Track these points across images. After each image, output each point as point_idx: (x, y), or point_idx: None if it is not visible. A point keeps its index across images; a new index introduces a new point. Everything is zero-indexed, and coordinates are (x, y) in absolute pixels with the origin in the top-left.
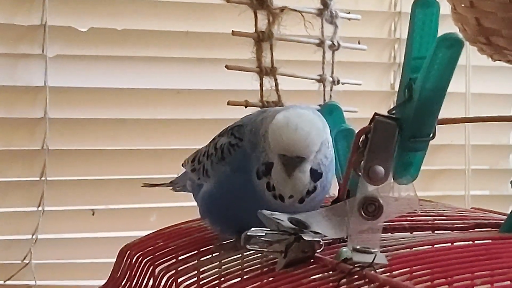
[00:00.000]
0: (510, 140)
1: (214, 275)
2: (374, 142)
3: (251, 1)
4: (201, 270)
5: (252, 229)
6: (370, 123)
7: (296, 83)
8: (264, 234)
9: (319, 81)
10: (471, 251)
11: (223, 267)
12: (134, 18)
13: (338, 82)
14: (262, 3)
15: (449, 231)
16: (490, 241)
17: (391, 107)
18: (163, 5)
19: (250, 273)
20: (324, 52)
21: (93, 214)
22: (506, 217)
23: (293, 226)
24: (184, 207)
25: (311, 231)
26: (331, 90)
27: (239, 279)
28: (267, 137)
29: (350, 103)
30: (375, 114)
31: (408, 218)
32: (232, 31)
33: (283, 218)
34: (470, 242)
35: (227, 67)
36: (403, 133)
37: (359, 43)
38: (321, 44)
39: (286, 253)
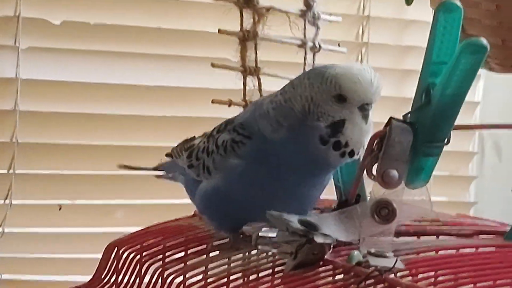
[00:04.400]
0: (471, 147)
1: (220, 274)
2: (390, 146)
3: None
4: (200, 270)
5: (263, 229)
6: (385, 127)
7: (278, 83)
8: (275, 234)
9: None
10: (488, 258)
11: (224, 267)
12: (108, 13)
13: None
14: (248, 2)
15: (454, 237)
16: (494, 248)
17: None
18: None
19: (254, 274)
20: (305, 54)
21: (60, 209)
22: (497, 223)
23: (303, 228)
24: (151, 205)
25: (320, 233)
26: None
27: (242, 280)
28: (325, 100)
29: None
30: (391, 118)
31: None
32: (218, 29)
33: (293, 219)
34: (480, 249)
35: (212, 65)
36: (417, 138)
37: (339, 45)
38: (303, 45)
39: (296, 255)
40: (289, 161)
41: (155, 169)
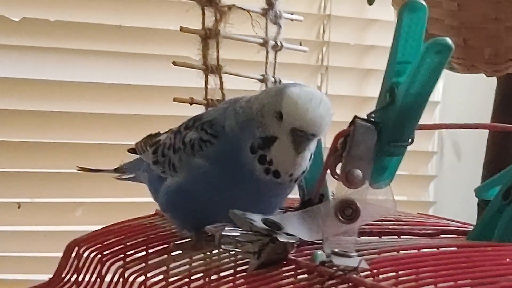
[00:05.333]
0: (430, 146)
1: (182, 274)
2: (354, 145)
3: None
4: (162, 269)
5: (226, 228)
6: (349, 126)
7: (239, 82)
8: (238, 234)
9: (261, 81)
10: (450, 258)
11: (186, 266)
12: (68, 10)
13: (280, 82)
14: (210, 0)
15: (416, 237)
16: (457, 248)
17: None
18: None
19: (216, 274)
20: (267, 52)
21: (19, 207)
22: (459, 223)
23: (266, 227)
24: (111, 203)
25: (284, 233)
26: None
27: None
28: (269, 112)
29: None
30: (355, 117)
31: (375, 222)
32: (180, 27)
33: (256, 219)
34: (442, 249)
35: (174, 63)
36: (382, 137)
37: (300, 45)
38: (265, 44)
39: (259, 254)
40: (237, 159)
41: (116, 170)
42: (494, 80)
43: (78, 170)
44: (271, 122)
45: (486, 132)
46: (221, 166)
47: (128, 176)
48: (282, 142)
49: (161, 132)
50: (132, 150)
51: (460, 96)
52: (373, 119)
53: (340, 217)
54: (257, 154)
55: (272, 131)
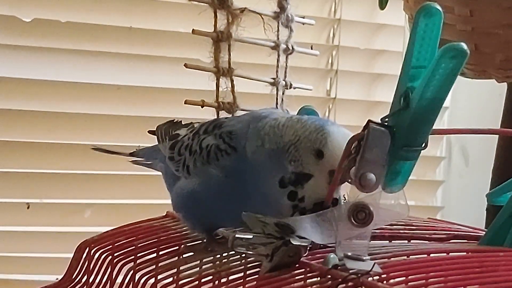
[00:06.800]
0: (438, 151)
1: (192, 276)
2: (368, 149)
3: (212, 0)
4: (172, 271)
5: (239, 230)
6: (363, 130)
7: (250, 85)
8: (251, 236)
9: (272, 84)
10: (462, 263)
11: (196, 269)
12: (79, 11)
13: (291, 86)
14: (223, 2)
15: (426, 242)
16: (470, 253)
17: (327, 113)
18: None
19: (227, 276)
20: (278, 56)
21: (28, 208)
22: (471, 228)
23: (279, 230)
24: (120, 204)
25: (297, 236)
26: (283, 94)
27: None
28: (306, 148)
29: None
30: (369, 121)
31: (385, 226)
32: (193, 29)
33: (270, 222)
34: (456, 254)
35: (186, 65)
36: (395, 141)
37: (312, 48)
38: (276, 47)
39: (272, 257)
40: (257, 185)
41: (131, 154)
42: (501, 85)
43: (94, 150)
44: (307, 158)
45: (494, 137)
46: (236, 183)
47: (144, 162)
48: (318, 181)
49: (182, 123)
50: (153, 132)
51: (469, 101)
52: (387, 123)
53: (354, 221)
54: (287, 189)
55: (307, 168)
